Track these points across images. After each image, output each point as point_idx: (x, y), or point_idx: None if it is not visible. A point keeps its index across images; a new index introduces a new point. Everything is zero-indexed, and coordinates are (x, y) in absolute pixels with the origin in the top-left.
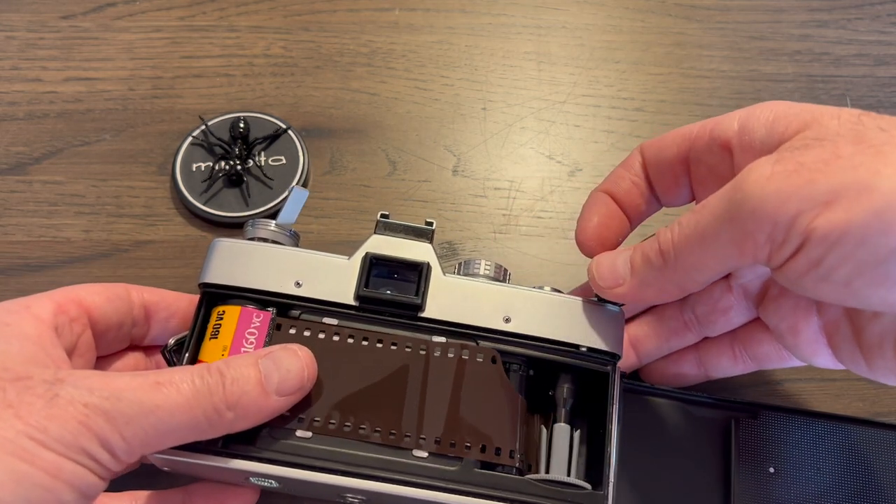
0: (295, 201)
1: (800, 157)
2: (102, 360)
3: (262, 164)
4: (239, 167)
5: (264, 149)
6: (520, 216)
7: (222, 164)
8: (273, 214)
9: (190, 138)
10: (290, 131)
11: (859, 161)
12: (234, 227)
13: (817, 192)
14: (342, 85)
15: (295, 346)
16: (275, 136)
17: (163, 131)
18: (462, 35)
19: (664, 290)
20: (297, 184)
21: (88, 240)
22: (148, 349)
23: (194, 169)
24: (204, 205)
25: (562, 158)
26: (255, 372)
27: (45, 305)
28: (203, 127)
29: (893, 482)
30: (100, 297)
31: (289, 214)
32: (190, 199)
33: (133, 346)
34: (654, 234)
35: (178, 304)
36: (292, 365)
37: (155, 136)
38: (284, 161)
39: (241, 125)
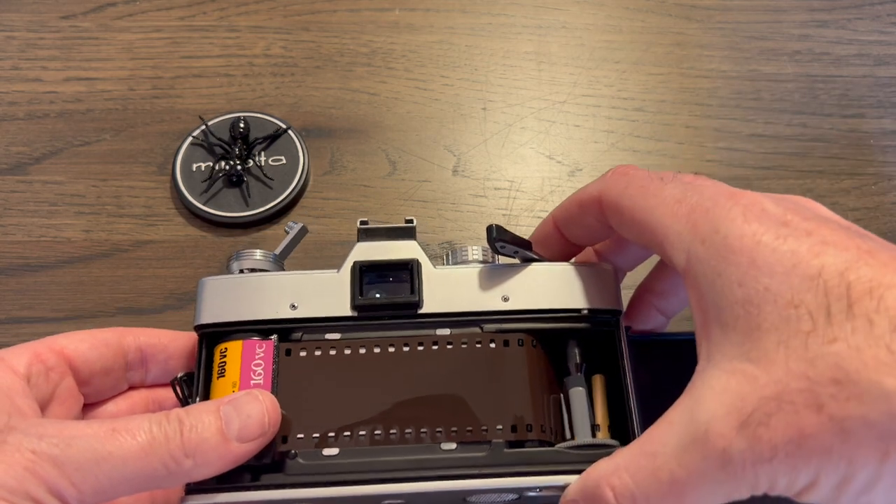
0: (297, 237)
1: (768, 435)
2: (96, 405)
3: (262, 164)
4: (239, 167)
5: (264, 149)
6: (520, 216)
7: (222, 164)
8: (262, 221)
9: (190, 138)
10: (290, 131)
11: (827, 444)
12: (234, 227)
13: (797, 474)
14: (342, 85)
15: (256, 392)
16: (275, 136)
17: (163, 131)
18: (462, 35)
19: None
20: (296, 184)
21: (88, 240)
22: (152, 388)
23: (194, 169)
24: (204, 205)
25: (562, 158)
26: (215, 419)
27: (20, 356)
28: (203, 127)
29: None
30: (83, 345)
31: (289, 249)
32: (190, 199)
33: (135, 388)
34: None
35: (176, 344)
36: (253, 410)
37: (155, 136)
38: (284, 161)
39: (241, 125)
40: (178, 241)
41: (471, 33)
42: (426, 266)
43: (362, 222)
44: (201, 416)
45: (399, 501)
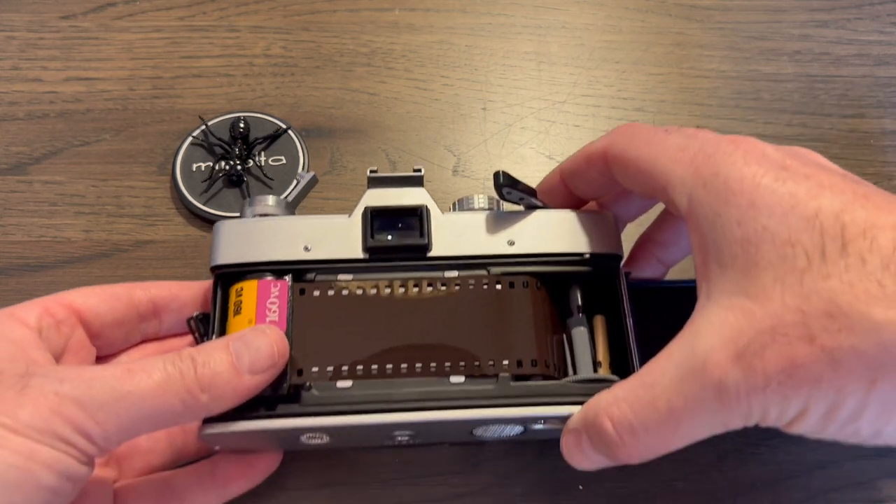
0: (308, 186)
1: (762, 366)
2: (109, 357)
3: (262, 164)
4: (239, 167)
5: (264, 149)
6: None
7: (222, 164)
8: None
9: (190, 138)
10: (290, 131)
11: (818, 373)
12: None
13: (788, 404)
14: (342, 85)
15: (263, 326)
16: (275, 136)
17: (163, 131)
18: (462, 35)
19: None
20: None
21: (88, 240)
22: (165, 339)
23: (194, 169)
24: (204, 205)
25: (562, 158)
26: (226, 354)
27: (30, 310)
28: (203, 127)
29: None
30: (93, 298)
31: (300, 197)
32: (190, 199)
33: (149, 340)
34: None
35: (187, 293)
36: (262, 343)
37: (155, 136)
38: (284, 161)
39: (241, 125)
40: (178, 241)
41: (471, 33)
42: (435, 212)
43: (372, 171)
44: (213, 352)
45: (409, 432)
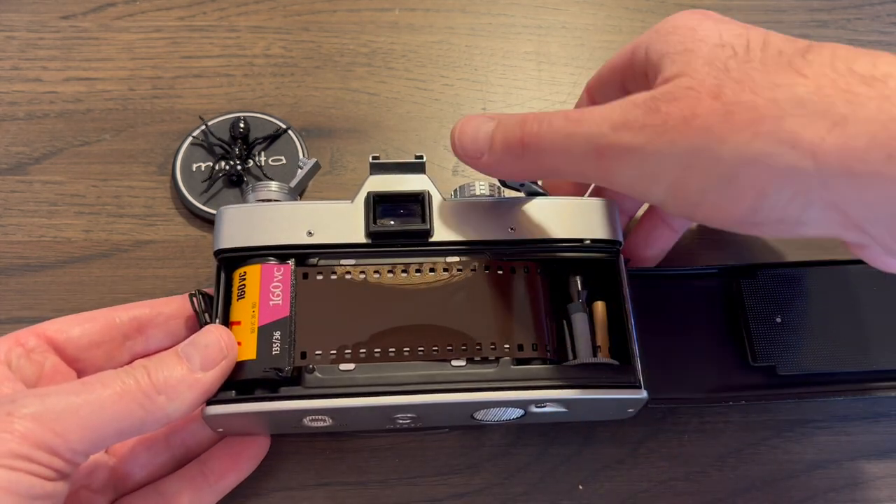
0: (310, 172)
1: (666, 109)
2: None
3: (262, 164)
4: (239, 167)
5: (264, 149)
6: None
7: (222, 164)
8: None
9: (190, 138)
10: (290, 131)
11: (710, 123)
12: None
13: (677, 153)
14: (342, 85)
15: (209, 326)
16: (275, 136)
17: (163, 131)
18: (462, 35)
19: (520, 175)
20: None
21: (88, 240)
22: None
23: (194, 169)
24: (204, 205)
25: None
26: (176, 356)
27: (1, 344)
28: (203, 127)
29: (884, 314)
30: (64, 324)
31: (303, 183)
32: (190, 199)
33: (139, 359)
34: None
35: (172, 306)
36: (209, 340)
37: (155, 136)
38: (284, 161)
39: (241, 125)
40: (178, 241)
41: (471, 33)
42: (436, 198)
43: (374, 157)
44: (164, 359)
45: (410, 415)
